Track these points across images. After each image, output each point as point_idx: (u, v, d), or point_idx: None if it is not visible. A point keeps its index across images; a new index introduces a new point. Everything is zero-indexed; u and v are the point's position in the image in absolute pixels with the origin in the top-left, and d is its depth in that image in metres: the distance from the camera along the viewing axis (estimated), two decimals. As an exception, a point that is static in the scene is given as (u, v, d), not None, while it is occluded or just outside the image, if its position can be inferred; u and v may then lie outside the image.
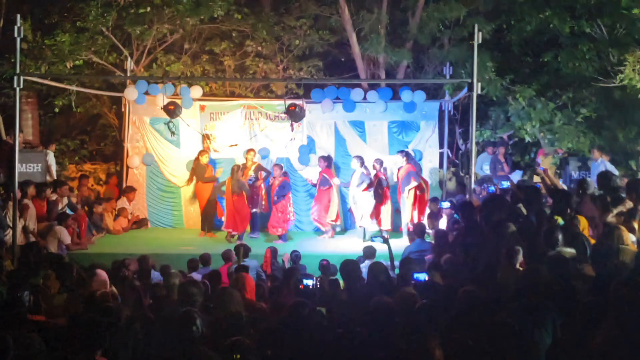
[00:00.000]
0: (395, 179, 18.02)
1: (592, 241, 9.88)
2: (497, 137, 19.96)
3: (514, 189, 12.78)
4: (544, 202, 11.87)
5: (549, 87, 18.68)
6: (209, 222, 18.36)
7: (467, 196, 15.03)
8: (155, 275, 11.89)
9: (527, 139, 18.87)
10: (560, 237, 9.29)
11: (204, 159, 18.27)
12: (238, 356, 6.09)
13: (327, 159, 18.11)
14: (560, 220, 10.55)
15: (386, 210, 17.60)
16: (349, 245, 16.52)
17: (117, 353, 6.48)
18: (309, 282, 8.96)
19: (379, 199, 17.37)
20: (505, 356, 5.94)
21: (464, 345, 6.19)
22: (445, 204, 15.23)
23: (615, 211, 10.48)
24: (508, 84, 18.39)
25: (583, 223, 10.53)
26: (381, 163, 17.70)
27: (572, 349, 6.18)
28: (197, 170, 18.25)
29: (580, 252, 9.06)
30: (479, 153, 18.93)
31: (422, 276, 9.16)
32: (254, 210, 17.86)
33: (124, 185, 19.39)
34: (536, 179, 15.15)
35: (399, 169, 17.70)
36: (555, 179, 14.32)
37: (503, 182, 13.96)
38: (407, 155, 17.60)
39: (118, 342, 6.84)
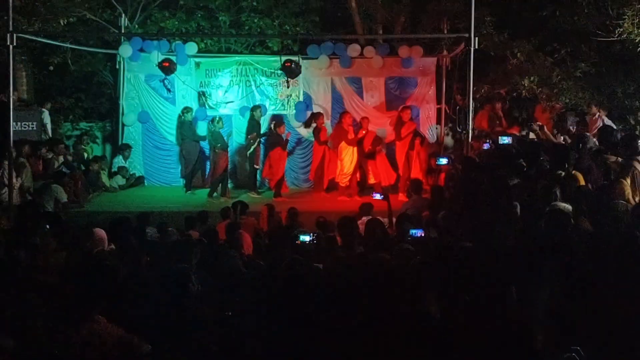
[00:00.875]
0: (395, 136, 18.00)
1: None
2: (495, 93, 19.85)
3: (514, 144, 12.73)
4: (542, 159, 11.83)
5: (548, 42, 18.53)
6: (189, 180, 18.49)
7: (465, 152, 15.00)
8: (153, 232, 11.88)
9: (525, 94, 18.78)
10: (557, 192, 9.29)
11: (189, 117, 18.21)
12: (229, 313, 6.11)
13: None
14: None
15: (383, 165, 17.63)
16: (346, 202, 16.52)
17: (115, 311, 6.47)
18: (306, 238, 8.95)
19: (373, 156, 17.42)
20: (502, 311, 5.95)
21: (460, 301, 6.19)
22: (443, 160, 15.20)
23: (612, 158, 10.50)
24: (506, 38, 18.24)
25: (580, 180, 10.52)
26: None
27: (569, 304, 6.19)
28: (183, 128, 18.20)
29: (579, 206, 9.05)
30: (476, 109, 18.85)
31: (418, 232, 9.17)
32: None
33: (120, 143, 19.32)
34: (532, 135, 15.08)
35: (402, 126, 17.68)
36: (550, 135, 14.29)
37: (503, 138, 13.92)
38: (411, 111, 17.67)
39: (116, 301, 6.83)
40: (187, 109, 18.30)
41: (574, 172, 10.57)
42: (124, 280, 7.38)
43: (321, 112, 18.39)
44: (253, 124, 17.84)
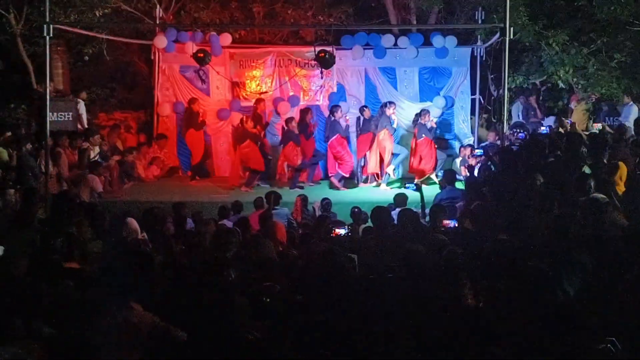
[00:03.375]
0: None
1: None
2: (530, 83, 19.70)
3: (553, 135, 12.64)
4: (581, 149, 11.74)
5: (583, 32, 18.33)
6: (202, 169, 18.67)
7: (499, 143, 14.92)
8: (187, 223, 11.95)
9: (560, 84, 18.61)
10: (592, 183, 9.20)
11: (196, 107, 18.29)
12: (268, 300, 6.12)
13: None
14: (586, 168, 10.46)
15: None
16: (380, 193, 16.50)
17: (150, 300, 6.51)
18: (341, 232, 8.96)
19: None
20: (536, 302, 5.91)
21: (496, 291, 6.16)
22: (479, 151, 15.12)
23: None
24: (541, 28, 18.05)
25: (623, 169, 10.40)
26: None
27: (601, 295, 6.14)
28: (191, 119, 18.29)
29: (611, 199, 8.96)
30: (511, 99, 18.72)
31: (452, 223, 9.13)
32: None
33: (155, 134, 19.43)
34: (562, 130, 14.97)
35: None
36: (579, 130, 14.19)
37: (542, 128, 13.84)
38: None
39: (151, 289, 6.88)
40: (193, 100, 18.36)
41: (619, 162, 10.46)
42: (159, 268, 7.43)
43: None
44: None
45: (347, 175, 17.73)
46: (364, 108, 17.93)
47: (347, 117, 18.11)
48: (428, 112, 17.69)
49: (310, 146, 17.60)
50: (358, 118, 18.09)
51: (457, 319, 5.66)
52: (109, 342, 5.97)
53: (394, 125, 17.49)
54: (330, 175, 17.79)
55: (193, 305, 6.49)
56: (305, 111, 17.78)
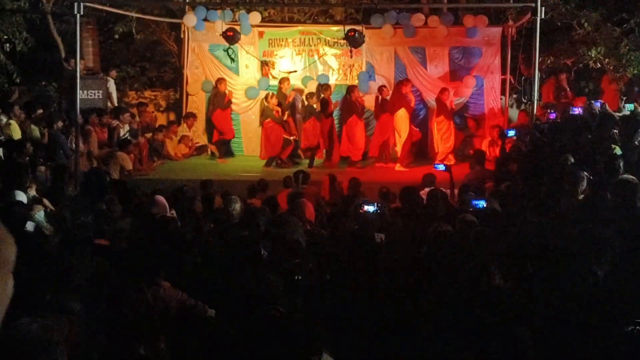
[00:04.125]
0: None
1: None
2: (561, 63, 19.51)
3: (584, 116, 12.53)
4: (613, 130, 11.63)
5: (616, 12, 18.11)
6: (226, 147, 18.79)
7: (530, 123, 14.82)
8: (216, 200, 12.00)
9: (592, 65, 18.42)
10: (621, 164, 9.13)
11: (222, 87, 18.32)
12: (299, 277, 6.15)
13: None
14: (617, 150, 10.36)
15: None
16: (409, 173, 16.46)
17: (179, 277, 6.57)
18: (370, 208, 8.92)
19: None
20: (564, 283, 5.88)
21: (524, 272, 6.14)
22: (511, 132, 15.00)
23: None
24: (573, 8, 17.86)
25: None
26: None
27: (631, 277, 6.09)
28: (217, 99, 18.34)
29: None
30: (542, 80, 18.55)
31: (481, 203, 9.09)
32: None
33: (184, 112, 19.49)
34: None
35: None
36: (610, 110, 14.04)
37: (574, 108, 13.70)
38: None
39: (180, 266, 6.93)
40: (220, 80, 18.40)
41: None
42: (188, 246, 7.49)
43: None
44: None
45: (359, 158, 17.76)
46: (383, 88, 17.89)
47: (362, 98, 18.10)
48: (447, 90, 17.63)
49: (326, 125, 17.69)
50: (377, 98, 18.02)
51: (485, 299, 5.65)
52: (138, 318, 6.04)
53: (412, 105, 17.46)
54: (342, 156, 17.84)
55: (221, 282, 6.54)
56: (324, 87, 17.85)
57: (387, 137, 17.85)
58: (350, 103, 17.65)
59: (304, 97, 18.15)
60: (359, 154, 17.79)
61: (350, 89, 17.85)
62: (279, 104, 17.85)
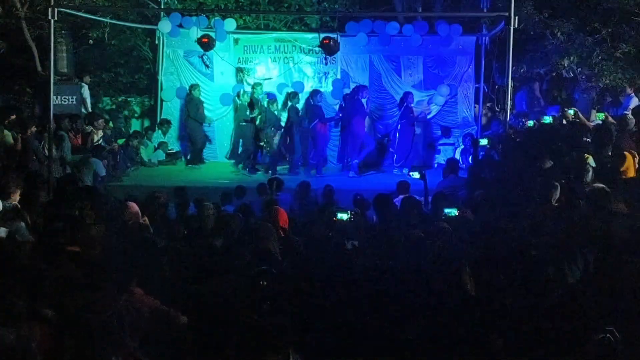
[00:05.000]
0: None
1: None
2: (534, 73, 19.66)
3: (556, 125, 12.64)
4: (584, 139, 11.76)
5: (589, 22, 18.27)
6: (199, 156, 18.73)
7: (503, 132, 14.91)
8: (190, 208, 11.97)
9: (565, 74, 18.57)
10: (591, 173, 9.22)
11: (197, 93, 18.34)
12: (265, 283, 6.15)
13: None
14: (590, 160, 10.46)
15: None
16: (383, 180, 16.49)
17: (151, 284, 6.54)
18: (344, 216, 8.93)
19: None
20: (536, 290, 5.93)
21: (496, 279, 6.18)
22: (484, 141, 15.09)
23: None
24: (546, 18, 18.02)
25: (629, 160, 10.41)
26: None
27: (602, 284, 6.15)
28: (191, 105, 18.32)
29: (614, 189, 8.98)
30: (515, 88, 18.68)
31: (453, 212, 9.14)
32: None
33: (159, 119, 19.43)
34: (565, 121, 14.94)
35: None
36: (585, 119, 14.17)
37: (546, 117, 13.81)
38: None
39: (152, 273, 6.90)
40: (194, 87, 18.38)
41: (625, 153, 10.48)
42: (160, 253, 7.46)
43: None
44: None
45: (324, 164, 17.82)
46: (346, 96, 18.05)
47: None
48: (410, 94, 17.75)
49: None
50: (340, 105, 18.12)
51: (457, 306, 5.68)
52: (110, 325, 6.01)
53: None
54: (311, 161, 17.85)
55: (194, 289, 6.53)
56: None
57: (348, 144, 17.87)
58: (313, 107, 17.63)
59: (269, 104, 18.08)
60: (322, 159, 17.78)
61: (312, 93, 17.90)
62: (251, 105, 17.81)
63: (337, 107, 18.55)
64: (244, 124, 17.87)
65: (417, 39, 18.59)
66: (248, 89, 18.44)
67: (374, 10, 20.47)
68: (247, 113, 17.61)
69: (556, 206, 8.95)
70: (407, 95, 17.60)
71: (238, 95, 18.14)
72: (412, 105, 17.60)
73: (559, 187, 9.16)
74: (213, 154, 19.31)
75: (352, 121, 17.45)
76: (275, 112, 17.87)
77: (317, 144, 17.70)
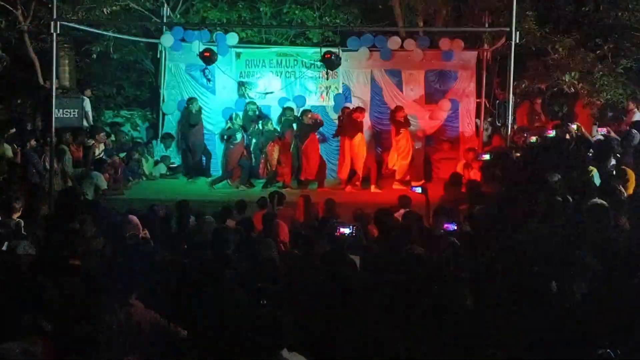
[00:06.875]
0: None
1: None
2: (535, 88, 19.66)
3: (558, 138, 12.63)
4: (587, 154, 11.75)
5: (590, 37, 18.28)
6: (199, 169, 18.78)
7: (504, 147, 14.92)
8: (190, 221, 11.96)
9: (566, 89, 18.57)
10: (595, 189, 9.21)
11: (195, 107, 18.37)
12: (264, 302, 6.14)
13: None
14: (594, 172, 10.44)
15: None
16: (384, 194, 16.48)
17: (151, 296, 6.53)
18: (346, 231, 8.91)
19: None
20: (537, 306, 5.91)
21: (496, 294, 6.17)
22: (485, 156, 15.08)
23: None
24: (547, 33, 18.03)
25: (631, 176, 10.39)
26: None
27: (606, 299, 6.13)
28: (190, 118, 18.36)
29: (616, 203, 8.95)
30: (516, 104, 18.68)
31: (452, 226, 9.13)
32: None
33: (161, 132, 19.45)
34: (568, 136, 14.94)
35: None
36: (587, 133, 14.16)
37: (550, 132, 13.81)
38: None
39: (152, 286, 6.90)
40: (192, 100, 18.41)
41: (628, 170, 10.46)
42: (160, 266, 7.46)
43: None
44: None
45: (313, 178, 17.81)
46: (345, 109, 18.02)
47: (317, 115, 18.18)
48: (401, 108, 17.74)
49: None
50: (339, 117, 18.16)
51: (457, 320, 5.66)
52: (110, 338, 6.00)
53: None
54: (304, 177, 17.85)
55: (194, 303, 6.51)
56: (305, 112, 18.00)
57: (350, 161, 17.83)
58: (305, 125, 17.67)
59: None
60: (313, 173, 17.77)
61: (304, 112, 17.95)
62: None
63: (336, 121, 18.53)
64: (232, 147, 17.89)
65: (419, 54, 18.65)
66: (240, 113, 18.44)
67: (375, 25, 20.53)
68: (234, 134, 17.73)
69: (559, 221, 8.93)
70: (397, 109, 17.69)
71: (230, 119, 18.08)
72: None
73: (559, 202, 9.14)
74: (214, 168, 19.30)
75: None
76: (272, 129, 17.92)
77: (310, 159, 17.67)
